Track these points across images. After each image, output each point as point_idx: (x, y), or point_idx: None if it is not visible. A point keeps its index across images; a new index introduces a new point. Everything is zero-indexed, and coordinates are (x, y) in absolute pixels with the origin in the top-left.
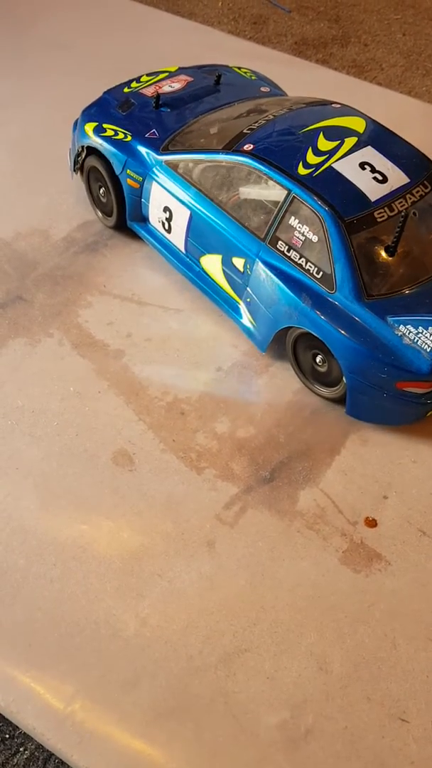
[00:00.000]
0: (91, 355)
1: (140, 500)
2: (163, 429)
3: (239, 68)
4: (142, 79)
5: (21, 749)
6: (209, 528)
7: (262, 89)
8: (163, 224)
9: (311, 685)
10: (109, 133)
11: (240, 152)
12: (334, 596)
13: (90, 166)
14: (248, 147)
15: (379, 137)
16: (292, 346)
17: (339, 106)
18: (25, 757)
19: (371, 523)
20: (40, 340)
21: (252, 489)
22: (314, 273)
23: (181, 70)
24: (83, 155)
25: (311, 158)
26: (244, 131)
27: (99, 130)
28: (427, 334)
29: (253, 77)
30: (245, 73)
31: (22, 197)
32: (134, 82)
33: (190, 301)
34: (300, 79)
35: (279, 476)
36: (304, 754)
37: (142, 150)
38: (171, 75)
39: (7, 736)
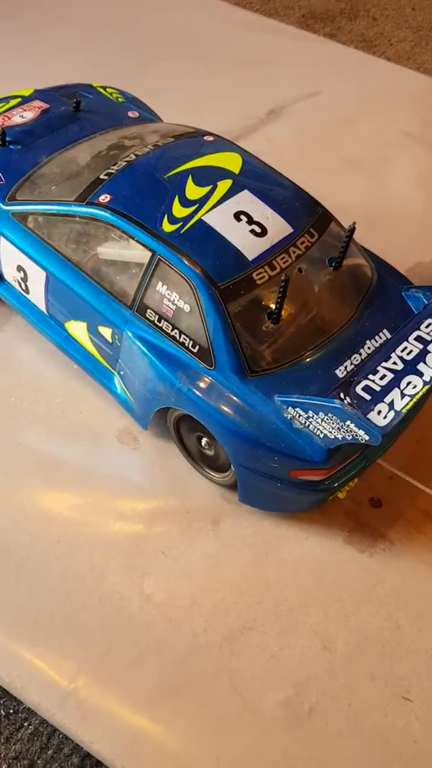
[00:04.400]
0: None
1: (145, 479)
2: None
3: (104, 88)
4: None
5: (25, 724)
6: (214, 506)
7: (130, 114)
8: (20, 284)
9: (315, 664)
10: None
11: (95, 205)
12: (338, 575)
13: None
14: (104, 198)
15: (257, 177)
16: (174, 427)
17: (213, 138)
18: (29, 732)
19: (376, 503)
20: None
21: None
22: (190, 347)
23: (37, 94)
24: None
25: (178, 210)
26: (101, 177)
27: None
28: (319, 420)
29: (120, 99)
30: (111, 94)
31: None
32: None
33: None
34: (307, 52)
35: None
36: (307, 732)
37: None
38: (24, 101)
39: (11, 711)
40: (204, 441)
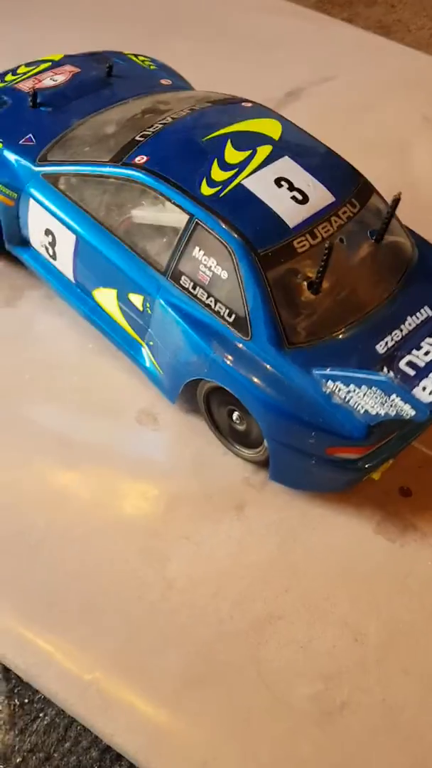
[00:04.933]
0: None
1: (165, 461)
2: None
3: (136, 56)
4: (19, 71)
5: (41, 715)
6: (237, 491)
7: (163, 81)
8: (47, 249)
9: (346, 656)
10: None
11: (131, 166)
12: (368, 566)
13: None
14: (140, 159)
15: (298, 145)
16: (205, 401)
17: (250, 105)
18: (45, 723)
19: (406, 492)
20: (54, 297)
21: None
22: (225, 316)
23: (67, 59)
24: None
25: (217, 174)
26: (137, 138)
27: None
28: (360, 394)
29: (152, 67)
30: (143, 61)
31: None
32: (9, 74)
33: None
34: (325, 36)
35: None
36: (339, 727)
37: (16, 159)
38: (54, 65)
39: (26, 700)
40: (236, 415)
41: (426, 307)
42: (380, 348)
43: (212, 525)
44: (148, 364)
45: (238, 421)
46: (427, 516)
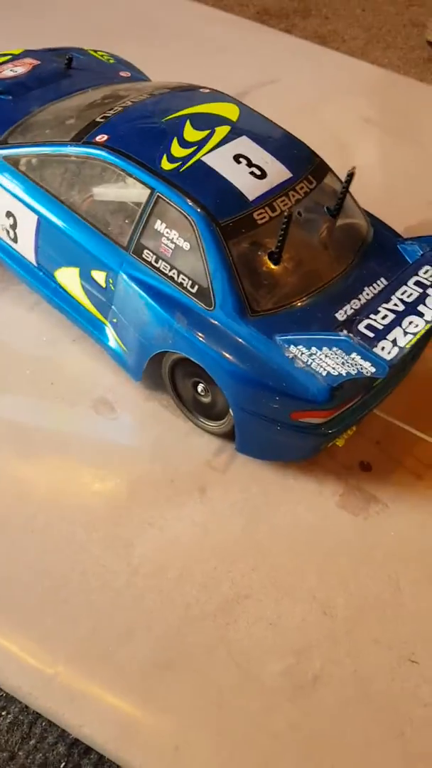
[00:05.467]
0: None
1: (125, 448)
2: (145, 378)
3: (95, 51)
4: None
5: (3, 713)
6: (199, 474)
7: (122, 74)
8: (8, 232)
9: (316, 630)
10: None
11: (92, 144)
12: (333, 539)
13: None
14: (101, 138)
15: (256, 126)
16: (169, 374)
17: (208, 91)
18: (8, 721)
19: (366, 467)
20: (7, 288)
21: None
22: (188, 287)
23: (27, 53)
24: None
25: (177, 150)
26: (97, 120)
27: None
28: (322, 356)
29: (111, 61)
30: (102, 56)
31: None
32: None
33: None
34: (264, 43)
35: None
36: (313, 701)
37: None
38: (14, 58)
39: None
40: (200, 387)
41: (382, 278)
42: (339, 315)
43: (175, 509)
44: (112, 343)
45: (203, 393)
46: (388, 488)
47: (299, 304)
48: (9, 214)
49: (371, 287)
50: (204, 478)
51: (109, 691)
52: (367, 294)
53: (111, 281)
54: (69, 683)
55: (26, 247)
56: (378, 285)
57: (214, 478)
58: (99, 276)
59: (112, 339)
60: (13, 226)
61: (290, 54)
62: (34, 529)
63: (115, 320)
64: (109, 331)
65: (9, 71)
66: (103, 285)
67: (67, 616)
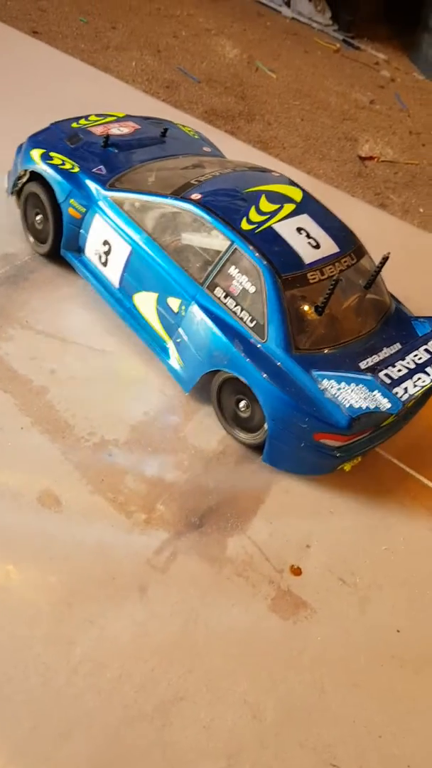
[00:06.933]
0: (13, 389)
1: (69, 543)
2: (91, 469)
3: (183, 126)
4: (90, 118)
5: None
6: (140, 573)
7: (204, 149)
8: (100, 257)
9: (246, 733)
10: (57, 161)
11: (188, 200)
12: (264, 643)
13: (30, 191)
14: (196, 196)
15: (314, 208)
16: (217, 390)
17: (278, 174)
18: None
19: (296, 571)
20: None
21: (182, 534)
22: (247, 321)
23: (129, 117)
24: (24, 179)
25: (254, 216)
26: (192, 182)
27: (46, 158)
28: (348, 390)
29: (196, 136)
30: (189, 131)
31: None
32: (83, 119)
33: (116, 342)
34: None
35: (208, 522)
36: None
37: (89, 183)
38: (119, 120)
39: None
40: (242, 403)
41: (398, 343)
42: (362, 364)
43: (116, 608)
44: (171, 359)
45: (243, 409)
46: (316, 594)
47: (333, 350)
48: (106, 242)
49: (389, 348)
50: (144, 577)
51: None
52: (385, 353)
53: (183, 307)
54: None
55: (114, 271)
56: (394, 347)
57: (154, 577)
58: (174, 302)
59: (173, 355)
60: (107, 253)
61: (233, 156)
62: None
63: (179, 340)
64: (171, 349)
65: (116, 129)
66: (176, 310)
67: (9, 714)
